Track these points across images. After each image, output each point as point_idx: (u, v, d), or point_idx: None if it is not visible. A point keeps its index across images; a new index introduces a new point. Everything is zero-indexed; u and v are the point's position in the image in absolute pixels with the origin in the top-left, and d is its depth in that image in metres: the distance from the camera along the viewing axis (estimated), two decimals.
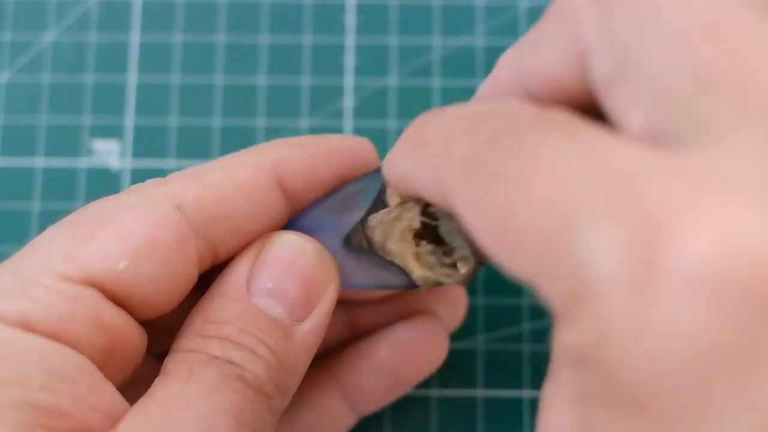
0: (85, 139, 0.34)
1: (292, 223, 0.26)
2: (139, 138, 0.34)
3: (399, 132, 0.33)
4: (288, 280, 0.23)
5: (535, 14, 0.35)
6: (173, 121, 0.34)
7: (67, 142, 0.34)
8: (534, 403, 0.31)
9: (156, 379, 0.22)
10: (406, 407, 0.31)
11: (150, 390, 0.22)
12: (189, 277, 0.24)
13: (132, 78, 0.34)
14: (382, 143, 0.33)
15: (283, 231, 0.25)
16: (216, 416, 0.21)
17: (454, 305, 0.29)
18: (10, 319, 0.21)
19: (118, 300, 0.22)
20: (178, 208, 0.23)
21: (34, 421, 0.19)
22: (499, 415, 0.31)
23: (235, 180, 0.24)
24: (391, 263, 0.24)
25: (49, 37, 0.35)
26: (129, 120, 0.34)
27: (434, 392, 0.31)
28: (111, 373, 0.22)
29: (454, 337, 0.32)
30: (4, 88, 0.34)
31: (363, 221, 0.25)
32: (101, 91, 0.34)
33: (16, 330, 0.21)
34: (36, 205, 0.33)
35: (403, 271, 0.24)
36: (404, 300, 0.28)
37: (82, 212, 0.23)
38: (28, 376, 0.20)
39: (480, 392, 0.31)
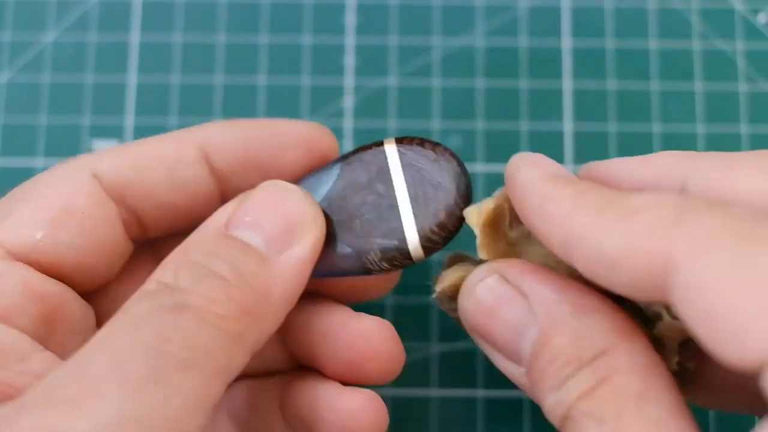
0: (85, 139, 0.34)
1: None
2: (139, 138, 0.34)
3: (399, 132, 0.33)
4: (267, 213, 0.23)
5: (535, 14, 0.35)
6: (173, 120, 0.34)
7: (67, 142, 0.34)
8: (534, 403, 0.31)
9: None
10: (406, 407, 0.31)
11: None
12: (117, 242, 0.24)
13: (132, 78, 0.34)
14: None
15: (267, 181, 0.24)
16: (127, 352, 0.19)
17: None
18: None
19: (47, 271, 0.23)
20: (94, 176, 0.23)
21: None
22: (499, 415, 0.31)
23: (154, 152, 0.24)
24: (349, 253, 0.24)
25: (49, 37, 0.35)
26: (129, 120, 0.34)
27: (434, 392, 0.31)
28: (57, 345, 0.22)
29: (455, 337, 0.32)
30: (4, 88, 0.34)
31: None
32: (101, 91, 0.34)
33: None
34: None
35: (357, 258, 0.24)
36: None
37: (9, 193, 0.24)
38: None
39: (480, 392, 0.31)
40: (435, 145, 0.24)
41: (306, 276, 0.23)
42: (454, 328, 0.32)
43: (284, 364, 0.27)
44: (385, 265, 0.24)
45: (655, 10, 0.35)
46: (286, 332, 0.26)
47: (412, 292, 0.32)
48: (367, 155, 0.24)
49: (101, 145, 0.34)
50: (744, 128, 0.33)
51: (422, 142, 0.24)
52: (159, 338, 0.19)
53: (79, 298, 0.24)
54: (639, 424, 0.18)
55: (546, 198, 0.20)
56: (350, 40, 0.35)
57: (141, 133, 0.34)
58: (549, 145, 0.33)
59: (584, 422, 0.19)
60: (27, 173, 0.33)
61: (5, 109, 0.34)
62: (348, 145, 0.33)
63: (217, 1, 0.35)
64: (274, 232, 0.22)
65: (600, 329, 0.20)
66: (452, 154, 0.24)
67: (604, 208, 0.19)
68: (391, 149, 0.24)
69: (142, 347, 0.19)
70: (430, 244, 0.24)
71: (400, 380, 0.31)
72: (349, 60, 0.34)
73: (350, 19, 0.35)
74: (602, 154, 0.33)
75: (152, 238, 0.25)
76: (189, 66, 0.34)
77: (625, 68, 0.34)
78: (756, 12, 0.34)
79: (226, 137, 0.25)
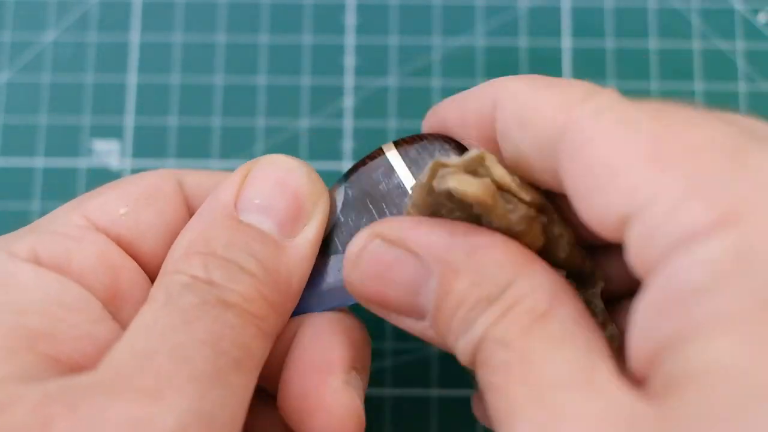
0: (85, 139, 0.34)
1: None
2: (139, 138, 0.34)
3: (399, 132, 0.33)
4: (276, 195, 0.23)
5: (535, 14, 0.35)
6: (173, 121, 0.34)
7: (67, 142, 0.34)
8: None
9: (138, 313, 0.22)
10: (406, 407, 0.31)
11: (134, 319, 0.21)
12: None
13: (132, 78, 0.34)
14: (382, 143, 0.33)
15: (269, 155, 0.24)
16: (190, 347, 0.20)
17: None
18: (19, 254, 0.22)
19: (124, 247, 0.23)
20: (179, 182, 0.24)
21: (20, 344, 0.20)
22: None
23: None
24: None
25: (49, 37, 0.35)
26: (129, 120, 0.34)
27: (434, 392, 0.31)
28: (119, 317, 0.23)
29: None
30: (4, 88, 0.34)
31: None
32: (101, 91, 0.34)
33: (24, 263, 0.21)
34: (36, 205, 0.33)
35: None
36: None
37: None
38: (26, 301, 0.21)
39: None
40: (430, 137, 0.24)
41: (317, 248, 0.24)
42: None
43: None
44: None
45: (655, 10, 0.35)
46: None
47: None
48: (371, 166, 0.24)
49: (101, 145, 0.34)
50: None
51: (419, 137, 0.24)
52: (213, 335, 0.20)
53: (148, 279, 0.24)
54: (542, 342, 0.18)
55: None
56: (350, 40, 0.35)
57: (141, 133, 0.34)
58: None
59: (492, 349, 0.19)
60: (27, 173, 0.33)
61: (5, 109, 0.34)
62: (348, 145, 0.33)
63: (217, 1, 0.35)
64: (285, 216, 0.23)
65: (499, 264, 0.20)
66: (446, 138, 0.24)
67: (535, 79, 0.21)
68: (392, 154, 0.24)
69: (201, 344, 0.20)
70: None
71: (400, 380, 0.31)
72: (349, 60, 0.34)
73: (350, 19, 0.35)
74: None
75: None
76: (189, 66, 0.34)
77: (625, 68, 0.34)
78: (756, 12, 0.35)
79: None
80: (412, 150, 0.24)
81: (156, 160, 0.33)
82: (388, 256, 0.21)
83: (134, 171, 0.33)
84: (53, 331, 0.20)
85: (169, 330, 0.20)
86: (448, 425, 0.31)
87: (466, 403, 0.31)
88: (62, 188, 0.33)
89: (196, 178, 0.25)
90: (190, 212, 0.24)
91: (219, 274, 0.21)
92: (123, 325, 0.22)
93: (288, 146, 0.33)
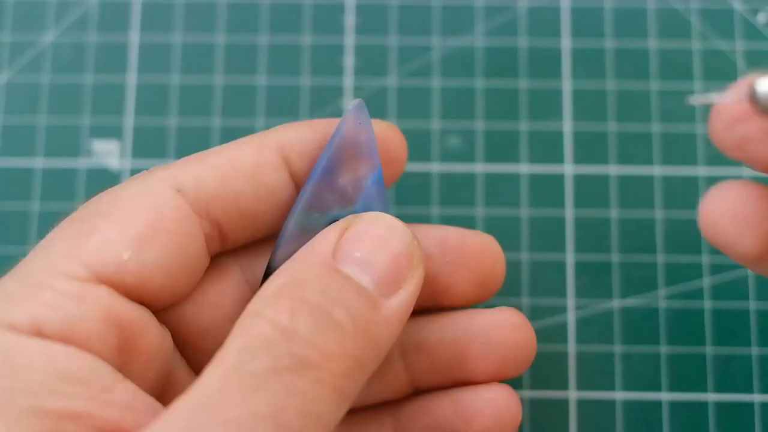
0: (85, 140, 0.34)
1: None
2: (139, 138, 0.34)
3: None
4: (377, 252, 0.22)
5: (535, 14, 0.35)
6: (173, 121, 0.34)
7: (67, 142, 0.34)
8: (534, 403, 0.31)
9: (210, 363, 0.21)
10: None
11: (198, 380, 0.20)
12: (199, 258, 0.23)
13: (132, 78, 0.34)
14: None
15: (372, 212, 0.24)
16: (248, 422, 0.19)
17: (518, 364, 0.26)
18: (20, 326, 0.20)
19: (130, 293, 0.22)
20: (178, 191, 0.23)
21: (46, 427, 0.19)
22: None
23: (237, 160, 0.24)
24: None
25: (49, 37, 0.35)
26: (129, 120, 0.34)
27: None
28: (134, 373, 0.22)
29: None
30: (4, 88, 0.34)
31: None
32: (101, 91, 0.34)
33: (24, 337, 0.20)
34: (36, 205, 0.33)
35: None
36: (468, 364, 0.26)
37: (84, 207, 0.23)
38: (36, 382, 0.19)
39: None
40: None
41: (408, 314, 0.23)
42: None
43: (400, 391, 0.27)
44: None
45: (654, 10, 0.35)
46: (413, 354, 0.26)
47: None
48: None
49: (101, 146, 0.34)
50: None
51: None
52: (276, 407, 0.19)
53: (157, 322, 0.23)
54: None
55: None
56: (350, 40, 0.35)
57: (141, 133, 0.34)
58: (548, 145, 0.33)
59: None
60: (26, 173, 0.33)
61: (5, 109, 0.34)
62: None
63: (217, 1, 0.35)
64: (384, 274, 0.22)
65: None
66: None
67: None
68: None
69: (260, 419, 0.19)
70: None
71: None
72: (349, 60, 0.34)
73: (350, 19, 0.35)
74: (602, 154, 0.33)
75: (229, 249, 0.25)
76: (189, 66, 0.34)
77: (624, 68, 0.34)
78: (756, 12, 0.35)
79: (304, 139, 0.24)
80: None
81: (156, 160, 0.33)
82: None
83: (134, 171, 0.33)
84: (73, 408, 0.20)
85: (228, 402, 0.19)
86: None
87: None
88: (62, 189, 0.33)
89: (194, 175, 0.23)
90: (199, 215, 0.23)
91: (305, 323, 0.20)
92: (135, 376, 0.22)
93: None
